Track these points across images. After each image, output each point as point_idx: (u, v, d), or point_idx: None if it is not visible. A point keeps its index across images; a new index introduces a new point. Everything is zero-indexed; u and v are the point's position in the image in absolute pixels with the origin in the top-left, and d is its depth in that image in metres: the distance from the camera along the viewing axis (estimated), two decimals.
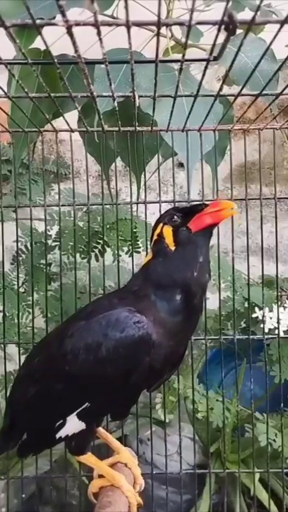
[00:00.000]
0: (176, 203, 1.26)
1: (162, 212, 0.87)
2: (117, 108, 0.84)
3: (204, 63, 0.60)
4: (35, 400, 0.89)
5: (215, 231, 1.24)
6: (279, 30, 0.50)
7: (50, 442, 0.91)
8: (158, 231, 0.83)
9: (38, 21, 0.44)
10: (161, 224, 0.82)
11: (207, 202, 0.80)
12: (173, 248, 0.80)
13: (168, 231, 0.81)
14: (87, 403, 0.83)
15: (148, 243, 1.32)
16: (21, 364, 1.03)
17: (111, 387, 0.81)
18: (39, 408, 0.89)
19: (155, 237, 0.83)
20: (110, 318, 0.79)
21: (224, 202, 0.78)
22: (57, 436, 0.87)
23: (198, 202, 0.85)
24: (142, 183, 1.33)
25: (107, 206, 1.35)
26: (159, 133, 1.16)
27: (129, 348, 0.76)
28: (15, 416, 0.95)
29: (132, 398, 0.86)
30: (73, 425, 0.85)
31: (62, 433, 0.87)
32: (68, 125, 1.11)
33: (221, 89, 0.76)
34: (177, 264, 0.79)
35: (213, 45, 0.52)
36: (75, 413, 0.84)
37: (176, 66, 1.10)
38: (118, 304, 0.82)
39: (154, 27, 1.20)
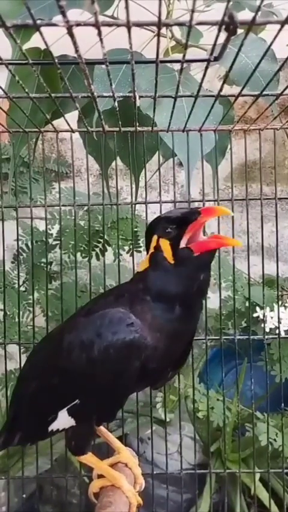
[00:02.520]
0: (177, 203, 1.27)
1: (152, 219, 0.84)
2: (117, 108, 0.84)
3: (205, 63, 0.60)
4: (34, 393, 0.90)
5: (215, 229, 1.26)
6: (279, 31, 0.50)
7: (42, 434, 0.92)
8: (153, 243, 0.80)
9: (38, 22, 0.44)
10: (156, 236, 0.80)
11: (199, 209, 0.77)
12: (172, 262, 0.78)
13: (165, 245, 0.78)
14: (77, 400, 0.83)
15: None
16: (25, 360, 1.04)
17: (99, 386, 0.82)
18: (36, 400, 0.91)
19: (151, 250, 0.81)
20: (104, 318, 0.79)
21: (215, 209, 0.76)
22: (50, 429, 0.88)
23: (188, 209, 0.83)
24: (142, 183, 1.33)
25: (108, 205, 1.35)
26: (159, 133, 1.16)
27: (120, 350, 0.76)
28: (18, 409, 0.96)
29: (119, 401, 0.86)
30: (63, 420, 0.86)
31: (53, 427, 0.88)
32: (69, 125, 1.11)
33: (221, 90, 0.76)
34: (177, 279, 0.78)
35: (214, 45, 0.52)
36: (65, 408, 0.85)
37: (176, 67, 1.10)
38: (114, 304, 0.82)
39: (154, 28, 1.20)
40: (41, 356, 0.95)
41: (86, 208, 1.41)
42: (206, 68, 0.60)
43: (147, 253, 0.84)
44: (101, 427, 0.99)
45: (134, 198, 1.34)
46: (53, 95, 0.81)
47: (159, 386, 0.98)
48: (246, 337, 1.28)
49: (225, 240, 0.77)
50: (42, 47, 1.10)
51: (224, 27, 0.43)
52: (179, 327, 0.81)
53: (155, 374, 0.87)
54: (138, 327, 0.77)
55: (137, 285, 0.83)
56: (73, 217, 1.35)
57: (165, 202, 1.26)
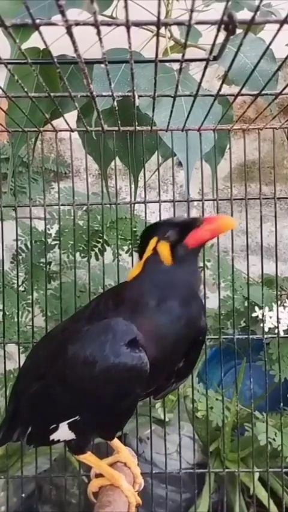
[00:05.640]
0: (177, 203, 1.27)
1: (150, 224, 0.84)
2: (116, 108, 0.84)
3: (204, 62, 0.60)
4: (36, 396, 0.89)
5: None
6: (278, 30, 0.50)
7: (44, 441, 0.92)
8: (152, 245, 0.79)
9: (37, 21, 0.44)
10: (155, 238, 0.79)
11: (202, 218, 0.77)
12: (169, 264, 0.77)
13: (164, 247, 0.77)
14: (77, 416, 0.83)
15: None
16: (26, 357, 1.03)
17: (99, 405, 0.81)
18: (38, 406, 0.90)
19: (149, 252, 0.79)
20: (107, 331, 0.78)
21: (220, 218, 0.76)
22: (51, 438, 0.87)
23: (193, 217, 0.83)
24: (141, 183, 1.33)
25: (107, 205, 1.35)
26: (158, 133, 1.16)
27: (121, 374, 0.75)
28: (19, 405, 0.95)
29: (120, 422, 0.87)
30: (64, 432, 0.86)
31: (54, 437, 0.87)
32: (68, 124, 1.11)
33: (220, 89, 0.76)
34: (175, 278, 0.77)
35: (213, 45, 0.52)
36: (66, 422, 0.84)
37: (175, 66, 1.10)
38: (115, 312, 0.81)
39: (153, 27, 1.20)
40: (42, 356, 0.94)
41: (85, 208, 1.42)
42: (205, 67, 0.60)
43: (140, 258, 0.82)
44: None
45: (133, 198, 1.34)
46: (52, 94, 0.81)
47: (161, 397, 0.97)
48: (245, 336, 1.28)
49: (218, 227, 0.75)
50: (41, 46, 1.09)
51: (223, 26, 0.43)
52: (181, 329, 0.80)
53: (155, 382, 0.87)
54: (140, 338, 0.76)
55: (132, 293, 0.81)
56: (72, 217, 1.35)
57: (164, 201, 1.26)
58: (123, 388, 0.78)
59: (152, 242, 0.79)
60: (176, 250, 0.77)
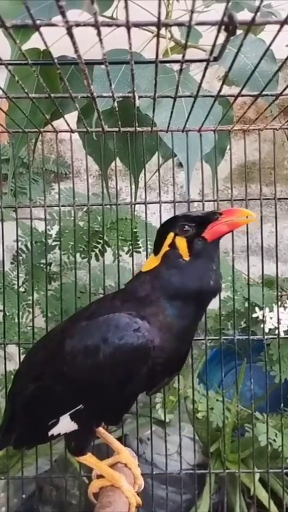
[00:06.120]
0: (177, 203, 1.27)
1: (168, 218, 0.84)
2: (117, 109, 0.84)
3: (204, 63, 0.60)
4: (33, 397, 0.89)
5: None
6: (279, 31, 0.50)
7: (42, 439, 0.92)
8: (168, 241, 0.80)
9: (38, 22, 0.44)
10: (172, 234, 0.80)
11: (220, 211, 0.79)
12: (187, 258, 0.78)
13: (182, 242, 0.78)
14: (81, 405, 0.83)
15: (148, 243, 1.32)
16: (23, 359, 1.03)
17: (106, 392, 0.81)
18: (36, 405, 0.90)
19: (166, 248, 0.80)
20: (109, 323, 0.78)
21: (239, 210, 0.78)
22: (50, 433, 0.88)
23: (211, 210, 0.84)
24: (142, 183, 1.33)
25: (107, 206, 1.35)
26: (158, 134, 1.16)
27: (127, 356, 0.76)
28: (16, 407, 0.95)
29: (126, 405, 0.86)
30: (65, 424, 0.86)
31: (54, 431, 0.87)
32: (68, 125, 1.11)
33: (220, 90, 0.76)
34: (193, 274, 0.78)
35: (213, 45, 0.52)
36: (68, 413, 0.84)
37: (176, 67, 1.10)
38: (120, 308, 0.81)
39: (154, 28, 1.20)
40: (40, 357, 0.94)
41: (85, 208, 1.41)
42: (206, 68, 0.60)
43: (156, 252, 0.83)
44: (100, 428, 0.99)
45: (133, 199, 1.34)
46: (52, 95, 0.81)
47: (153, 392, 0.97)
48: (246, 337, 1.28)
49: (237, 220, 0.77)
50: (42, 47, 1.10)
51: (223, 27, 0.43)
52: (189, 325, 0.81)
53: (160, 376, 0.87)
54: (146, 330, 0.77)
55: (143, 286, 0.82)
56: (72, 218, 1.35)
57: (165, 202, 1.26)
58: (130, 370, 0.78)
59: (169, 237, 0.80)
60: (193, 244, 0.78)
